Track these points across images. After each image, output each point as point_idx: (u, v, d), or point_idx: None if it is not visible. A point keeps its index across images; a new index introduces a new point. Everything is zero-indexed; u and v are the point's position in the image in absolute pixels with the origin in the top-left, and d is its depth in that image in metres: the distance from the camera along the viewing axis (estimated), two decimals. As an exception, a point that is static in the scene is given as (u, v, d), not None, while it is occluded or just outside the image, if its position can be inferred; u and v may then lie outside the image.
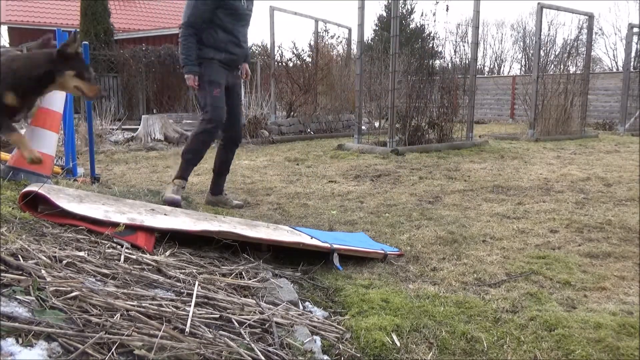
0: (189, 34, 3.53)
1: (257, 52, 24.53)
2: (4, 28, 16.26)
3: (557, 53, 11.22)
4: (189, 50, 3.53)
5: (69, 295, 1.40)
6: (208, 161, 6.52)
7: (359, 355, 1.62)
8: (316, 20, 11.17)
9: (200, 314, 1.55)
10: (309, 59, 11.25)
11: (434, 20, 8.18)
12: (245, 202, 4.06)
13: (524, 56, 34.71)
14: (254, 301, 1.76)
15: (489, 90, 17.77)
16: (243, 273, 2.11)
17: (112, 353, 1.21)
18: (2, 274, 1.40)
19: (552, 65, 10.90)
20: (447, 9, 10.52)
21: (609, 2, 47.50)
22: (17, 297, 1.33)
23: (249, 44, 4.15)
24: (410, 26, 26.13)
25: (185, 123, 11.61)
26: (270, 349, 1.46)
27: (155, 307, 1.47)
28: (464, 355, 1.67)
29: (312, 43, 11.23)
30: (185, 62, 3.55)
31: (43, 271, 1.51)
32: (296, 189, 4.58)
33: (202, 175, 5.44)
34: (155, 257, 1.98)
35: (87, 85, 2.49)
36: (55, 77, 2.44)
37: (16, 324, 1.20)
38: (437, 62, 8.71)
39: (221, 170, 3.99)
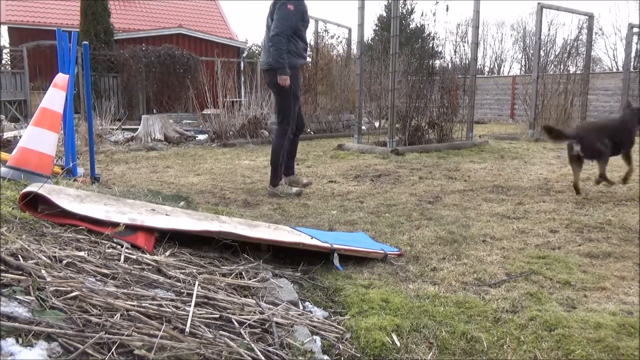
0: (284, 42, 4.22)
1: (257, 52, 24.55)
2: (4, 28, 16.24)
3: (557, 53, 11.25)
4: (284, 56, 4.22)
5: (69, 295, 1.40)
6: (208, 162, 6.52)
7: (359, 355, 1.62)
8: (316, 20, 11.16)
9: (200, 314, 1.55)
10: (309, 59, 11.24)
11: (434, 20, 8.22)
12: (245, 202, 4.06)
13: (524, 56, 34.76)
14: (254, 301, 1.76)
15: (489, 90, 17.76)
16: (243, 273, 2.11)
17: (112, 353, 1.21)
18: (2, 274, 1.40)
19: (552, 65, 10.91)
20: (447, 9, 10.55)
21: (609, 2, 47.45)
22: (17, 297, 1.33)
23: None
24: (410, 26, 26.11)
25: (185, 123, 11.62)
26: (270, 349, 1.46)
27: (155, 307, 1.47)
28: (464, 355, 1.67)
29: (312, 43, 11.23)
30: (282, 65, 4.22)
31: (43, 271, 1.51)
32: (296, 189, 4.57)
33: (202, 175, 5.44)
34: (155, 257, 1.98)
35: None
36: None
37: (16, 324, 1.20)
38: (437, 62, 8.71)
39: (293, 153, 4.75)
